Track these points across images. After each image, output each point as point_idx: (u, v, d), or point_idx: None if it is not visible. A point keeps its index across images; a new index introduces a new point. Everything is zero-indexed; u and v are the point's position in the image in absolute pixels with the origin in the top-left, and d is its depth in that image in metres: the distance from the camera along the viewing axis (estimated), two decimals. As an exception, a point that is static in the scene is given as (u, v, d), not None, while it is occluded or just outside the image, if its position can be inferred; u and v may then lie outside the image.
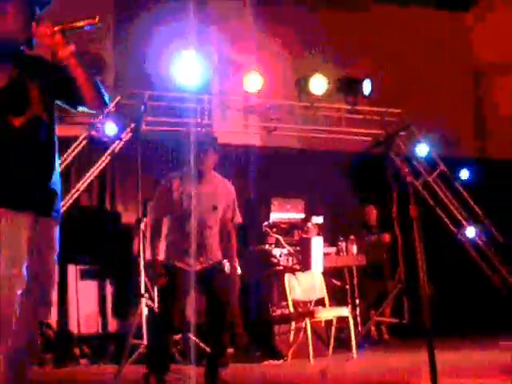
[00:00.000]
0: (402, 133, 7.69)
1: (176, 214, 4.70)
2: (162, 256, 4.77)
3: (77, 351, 6.54)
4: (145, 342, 5.83)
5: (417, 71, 8.00)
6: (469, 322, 7.21)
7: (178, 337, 5.98)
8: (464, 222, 8.09)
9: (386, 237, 7.55)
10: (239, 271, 5.54)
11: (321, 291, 6.44)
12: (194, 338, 5.75)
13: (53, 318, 6.59)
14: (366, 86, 7.50)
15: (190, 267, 4.60)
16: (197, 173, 4.69)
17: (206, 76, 6.67)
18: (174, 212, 4.71)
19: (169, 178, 4.82)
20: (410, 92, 7.91)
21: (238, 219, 4.92)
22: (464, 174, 8.19)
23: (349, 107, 7.72)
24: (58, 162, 2.83)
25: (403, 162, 6.61)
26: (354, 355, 6.08)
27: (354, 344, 6.13)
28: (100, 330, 6.74)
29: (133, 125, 6.56)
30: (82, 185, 6.50)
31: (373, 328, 7.37)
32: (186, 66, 6.34)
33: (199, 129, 6.88)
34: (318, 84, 7.43)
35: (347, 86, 7.66)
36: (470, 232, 8.07)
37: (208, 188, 4.71)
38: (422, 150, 7.87)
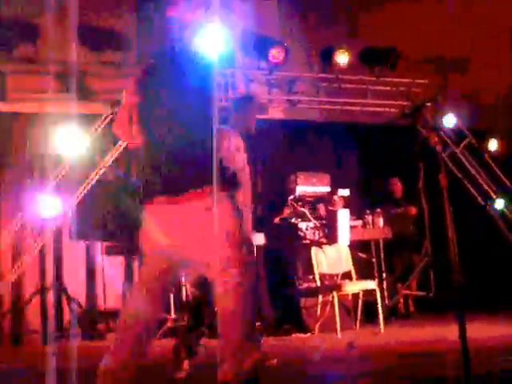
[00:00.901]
0: (428, 104, 7.56)
1: None
2: None
3: (103, 326, 6.63)
4: (172, 315, 5.89)
5: (445, 42, 7.82)
6: (497, 296, 7.13)
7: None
8: (492, 194, 7.97)
9: (412, 209, 7.49)
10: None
11: (347, 264, 6.41)
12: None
13: (80, 294, 6.68)
14: (392, 57, 7.37)
15: None
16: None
17: (229, 49, 6.60)
18: None
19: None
20: (437, 62, 7.76)
21: None
22: (492, 145, 8.04)
23: (374, 79, 7.59)
24: None
25: (431, 131, 6.51)
26: (381, 329, 6.06)
27: (381, 317, 6.10)
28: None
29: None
30: (108, 161, 6.51)
31: (400, 302, 7.34)
32: (210, 39, 6.27)
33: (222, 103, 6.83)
34: (343, 56, 7.32)
35: (372, 57, 7.53)
36: (499, 204, 7.95)
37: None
38: (450, 121, 7.74)
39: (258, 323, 6.39)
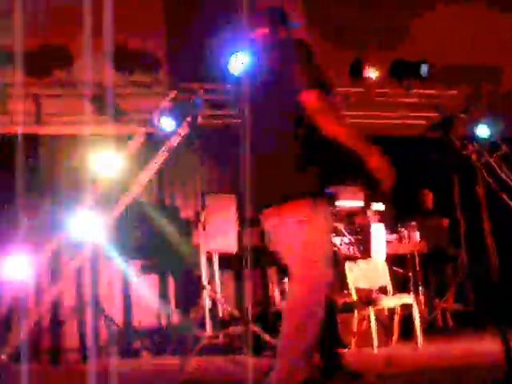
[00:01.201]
0: (461, 115, 7.50)
1: None
2: None
3: (139, 344, 6.69)
4: (208, 333, 5.91)
5: (475, 51, 7.76)
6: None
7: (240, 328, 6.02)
8: (528, 204, 7.83)
9: (445, 222, 7.41)
10: None
11: (384, 279, 6.36)
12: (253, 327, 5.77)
13: (117, 312, 6.74)
14: (423, 69, 7.33)
15: None
16: None
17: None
18: None
19: None
20: (469, 72, 7.70)
21: None
22: (528, 154, 7.92)
23: (404, 91, 7.55)
24: None
25: (467, 141, 6.45)
26: (419, 343, 5.98)
27: (418, 332, 6.03)
28: (162, 323, 6.84)
29: (189, 119, 6.61)
30: (141, 180, 6.58)
31: (438, 316, 7.25)
32: (242, 58, 6.32)
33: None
34: (372, 70, 7.31)
35: (402, 70, 7.50)
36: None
37: None
38: (483, 131, 7.66)
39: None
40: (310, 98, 3.01)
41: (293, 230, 3.00)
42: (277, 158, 3.08)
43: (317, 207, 3.02)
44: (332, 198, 4.87)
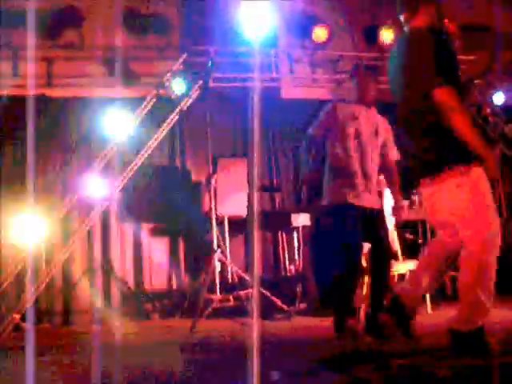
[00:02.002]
0: (476, 81, 7.37)
1: (338, 139, 4.65)
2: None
3: (149, 307, 6.74)
4: (218, 296, 5.94)
5: (492, 17, 7.60)
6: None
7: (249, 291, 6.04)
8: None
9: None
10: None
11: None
12: (262, 291, 5.79)
13: (128, 275, 6.79)
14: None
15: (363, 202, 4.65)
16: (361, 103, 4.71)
17: (272, 29, 6.54)
18: (336, 136, 4.67)
19: (334, 102, 4.85)
20: (485, 38, 7.55)
21: (396, 155, 4.89)
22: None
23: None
24: None
25: (485, 103, 6.36)
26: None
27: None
28: (173, 286, 6.88)
29: (200, 82, 6.55)
30: (152, 143, 6.56)
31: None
32: (253, 17, 6.22)
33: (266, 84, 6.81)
34: (388, 34, 7.19)
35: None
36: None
37: (370, 119, 4.72)
38: (499, 98, 7.53)
39: (303, 304, 6.43)
40: (441, 97, 3.33)
41: (454, 194, 3.37)
42: (425, 132, 3.48)
43: (470, 169, 3.35)
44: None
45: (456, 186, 3.37)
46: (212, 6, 6.74)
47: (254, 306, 5.23)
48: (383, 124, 4.88)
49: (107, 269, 6.66)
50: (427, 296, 6.01)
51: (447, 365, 3.24)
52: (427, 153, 3.48)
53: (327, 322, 4.91)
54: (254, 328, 4.02)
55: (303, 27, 7.05)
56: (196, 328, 5.48)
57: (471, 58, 7.47)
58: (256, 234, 4.49)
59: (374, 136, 4.78)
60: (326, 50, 7.19)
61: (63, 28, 6.68)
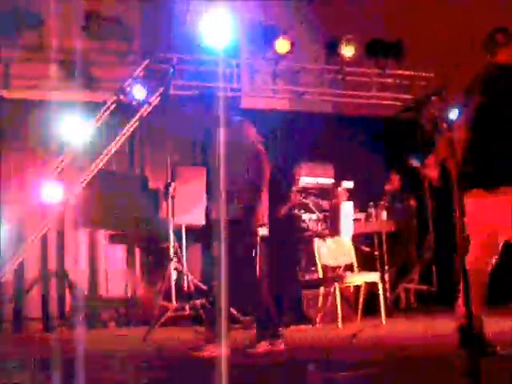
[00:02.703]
0: (433, 97, 7.53)
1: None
2: None
3: (105, 315, 6.65)
4: (174, 305, 5.89)
5: (451, 33, 7.78)
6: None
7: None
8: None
9: (412, 202, 7.46)
10: None
11: (350, 256, 6.40)
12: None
13: (83, 282, 6.68)
14: (397, 50, 7.34)
15: None
16: None
17: (234, 39, 6.57)
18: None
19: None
20: (443, 55, 7.72)
21: None
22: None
23: (379, 71, 7.56)
24: None
25: (441, 117, 6.46)
26: (383, 321, 6.05)
27: (382, 310, 6.09)
28: (128, 294, 6.81)
29: (161, 89, 6.52)
30: (111, 149, 6.49)
31: (402, 295, 7.34)
32: (215, 26, 6.24)
33: (227, 93, 6.82)
34: (348, 48, 7.30)
35: (378, 50, 7.50)
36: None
37: None
38: (455, 115, 7.68)
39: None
40: None
41: None
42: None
43: None
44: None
45: None
46: (175, 14, 6.73)
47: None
48: None
49: (62, 276, 6.55)
50: (382, 307, 6.08)
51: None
52: None
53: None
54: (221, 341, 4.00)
55: (266, 38, 7.10)
56: (149, 337, 5.42)
57: (429, 75, 7.65)
58: (219, 245, 4.46)
59: None
60: (287, 61, 7.25)
61: (22, 29, 6.57)
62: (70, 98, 6.47)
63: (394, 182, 7.60)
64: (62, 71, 6.64)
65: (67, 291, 6.56)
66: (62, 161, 6.35)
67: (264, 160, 4.60)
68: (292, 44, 7.02)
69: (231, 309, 5.84)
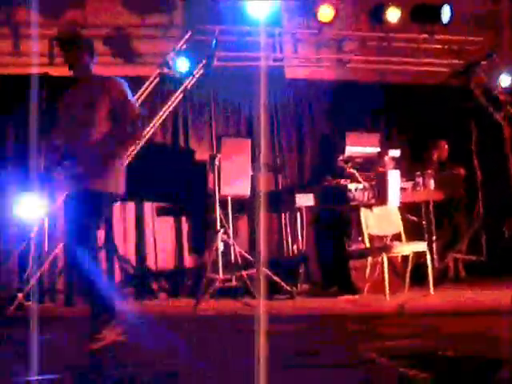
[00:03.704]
0: (483, 62, 7.31)
1: None
2: None
3: (155, 286, 6.75)
4: (221, 276, 5.95)
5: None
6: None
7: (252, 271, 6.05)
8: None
9: (461, 170, 7.31)
10: None
11: (397, 226, 6.33)
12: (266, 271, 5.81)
13: (131, 254, 6.79)
14: (445, 13, 7.11)
15: None
16: None
17: (277, 8, 6.48)
18: None
19: None
20: (492, 19, 7.48)
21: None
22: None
23: (426, 36, 7.35)
24: None
25: (494, 83, 6.28)
26: (431, 291, 5.98)
27: (431, 280, 6.02)
28: (177, 266, 6.89)
29: (204, 61, 6.50)
30: (156, 122, 6.52)
31: (450, 264, 7.23)
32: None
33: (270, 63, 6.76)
34: (393, 13, 7.11)
35: (423, 14, 7.28)
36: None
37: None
38: (505, 80, 7.46)
39: (306, 285, 6.45)
40: None
41: None
42: None
43: None
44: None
45: None
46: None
47: (259, 286, 5.24)
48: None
49: (110, 249, 6.66)
50: (430, 278, 6.01)
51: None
52: None
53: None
54: (258, 308, 4.01)
55: (308, 7, 6.98)
56: (199, 307, 5.50)
57: (479, 39, 7.40)
58: (261, 215, 4.46)
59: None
60: (330, 29, 7.12)
61: (66, 7, 6.62)
62: (114, 73, 6.50)
63: (443, 150, 7.44)
64: (105, 47, 6.68)
65: (116, 264, 6.68)
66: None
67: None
68: (335, 11, 6.88)
69: (277, 278, 5.88)
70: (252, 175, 6.40)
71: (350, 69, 7.31)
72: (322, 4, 6.91)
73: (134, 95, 6.39)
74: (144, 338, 3.90)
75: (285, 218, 6.95)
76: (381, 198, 6.18)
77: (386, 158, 6.52)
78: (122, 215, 6.78)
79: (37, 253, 6.05)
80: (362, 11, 7.35)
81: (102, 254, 6.62)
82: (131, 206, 6.79)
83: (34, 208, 5.81)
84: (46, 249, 6.20)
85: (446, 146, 7.44)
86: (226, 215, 6.33)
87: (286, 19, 7.08)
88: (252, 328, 3.07)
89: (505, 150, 3.06)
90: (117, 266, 6.70)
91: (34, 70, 6.24)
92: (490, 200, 7.44)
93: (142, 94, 6.56)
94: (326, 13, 6.91)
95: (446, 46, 7.38)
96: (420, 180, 6.75)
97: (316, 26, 7.04)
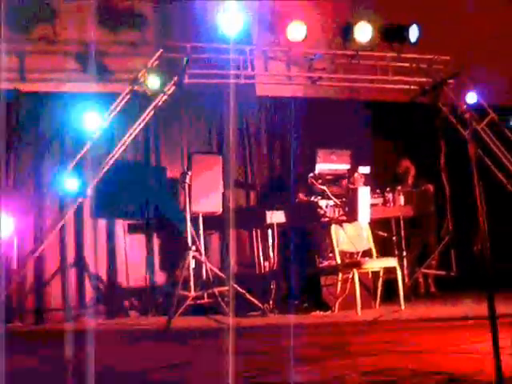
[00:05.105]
0: (450, 81, 7.44)
1: None
2: None
3: (126, 303, 6.70)
4: (192, 293, 5.92)
5: (466, 16, 7.68)
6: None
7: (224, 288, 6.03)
8: (514, 172, 7.84)
9: (430, 187, 7.41)
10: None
11: (368, 242, 6.38)
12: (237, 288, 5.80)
13: (102, 272, 6.72)
14: (413, 33, 7.24)
15: None
16: None
17: (248, 26, 6.54)
18: None
19: None
20: (459, 38, 7.62)
21: None
22: (515, 121, 7.89)
23: (394, 55, 7.47)
24: None
25: (461, 101, 6.39)
26: (402, 306, 6.03)
27: (401, 295, 6.07)
28: (148, 283, 6.84)
29: (176, 78, 6.51)
30: (127, 139, 6.50)
31: (420, 280, 7.30)
32: (228, 14, 6.21)
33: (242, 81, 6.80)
34: (363, 32, 7.21)
35: (392, 34, 7.40)
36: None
37: None
38: (471, 98, 7.61)
39: (278, 301, 6.45)
40: None
41: None
42: None
43: None
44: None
45: None
46: (188, 3, 6.70)
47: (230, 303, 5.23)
48: None
49: (81, 266, 6.59)
50: (401, 293, 6.06)
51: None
52: None
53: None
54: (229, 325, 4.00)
55: (279, 25, 7.04)
56: (170, 325, 5.46)
57: (446, 58, 7.55)
58: (231, 232, 4.46)
59: None
60: (301, 47, 7.19)
61: (36, 22, 6.59)
62: (84, 89, 6.49)
63: (412, 167, 7.54)
64: (76, 63, 6.65)
65: (87, 282, 6.61)
66: (79, 152, 6.36)
67: None
68: (306, 29, 6.96)
69: (248, 295, 5.87)
70: (223, 192, 6.41)
71: (321, 86, 7.39)
72: (292, 22, 6.98)
73: (105, 112, 6.41)
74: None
75: (256, 235, 6.96)
76: (351, 214, 6.23)
77: (356, 175, 6.59)
78: (93, 232, 6.73)
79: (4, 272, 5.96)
80: (332, 30, 7.44)
81: (73, 272, 6.56)
82: (102, 222, 6.74)
83: (1, 227, 5.73)
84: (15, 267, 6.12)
85: (409, 163, 7.55)
86: (197, 232, 6.31)
87: (257, 37, 7.14)
88: (221, 345, 3.07)
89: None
90: (87, 284, 6.63)
91: (4, 86, 6.20)
92: (458, 216, 7.54)
93: (113, 110, 6.53)
94: (296, 31, 6.98)
95: (414, 65, 7.51)
96: (390, 196, 6.83)
97: (287, 43, 7.12)
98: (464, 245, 7.43)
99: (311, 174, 6.59)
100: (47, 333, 5.87)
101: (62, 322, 6.23)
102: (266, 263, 6.81)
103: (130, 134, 6.55)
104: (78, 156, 6.26)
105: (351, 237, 6.33)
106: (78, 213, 6.57)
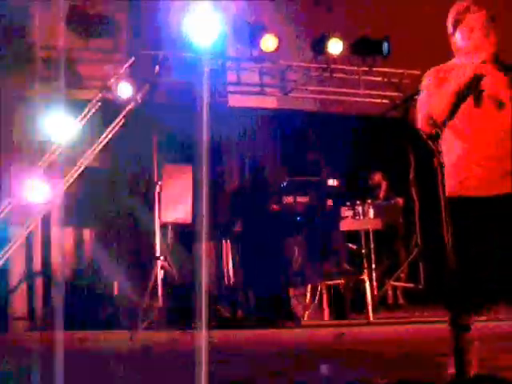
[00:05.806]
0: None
1: None
2: None
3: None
4: (160, 304, 5.87)
5: (438, 30, 7.78)
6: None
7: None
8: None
9: (400, 200, 7.47)
10: None
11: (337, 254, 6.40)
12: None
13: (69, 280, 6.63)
14: (384, 47, 7.32)
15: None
16: None
17: (220, 36, 6.54)
18: None
19: None
20: (431, 52, 7.72)
21: None
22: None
23: (366, 69, 7.54)
24: None
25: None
26: (371, 318, 6.05)
27: (370, 307, 6.10)
28: (116, 293, 6.76)
29: (147, 86, 6.48)
30: (97, 147, 6.45)
31: (389, 292, 7.35)
32: (201, 24, 6.21)
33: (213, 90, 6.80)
34: (335, 45, 7.27)
35: (365, 47, 7.48)
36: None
37: None
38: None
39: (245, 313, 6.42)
40: None
41: None
42: None
43: None
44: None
45: None
46: (160, 12, 6.69)
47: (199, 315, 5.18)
48: None
49: (47, 274, 6.50)
50: (369, 305, 6.09)
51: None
52: None
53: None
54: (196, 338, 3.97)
55: (252, 36, 7.07)
56: (135, 337, 5.40)
57: (417, 72, 7.62)
58: (203, 245, 4.44)
59: None
60: (274, 59, 7.23)
61: (8, 28, 6.53)
62: (55, 95, 6.42)
63: (382, 180, 7.61)
64: (47, 69, 6.59)
65: (53, 290, 6.51)
66: (48, 159, 6.29)
67: None
68: (278, 41, 6.99)
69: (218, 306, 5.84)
70: (193, 202, 6.38)
71: (292, 98, 7.42)
72: (265, 34, 7.01)
73: (75, 119, 6.35)
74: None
75: (226, 246, 6.93)
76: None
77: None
78: (61, 240, 6.64)
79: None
80: (305, 42, 7.49)
81: (40, 280, 6.47)
82: (69, 230, 6.66)
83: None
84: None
85: (380, 176, 7.61)
86: (166, 242, 6.27)
87: (230, 48, 7.15)
88: (189, 358, 3.03)
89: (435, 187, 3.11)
90: (53, 292, 6.53)
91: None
92: (426, 228, 7.62)
93: (84, 117, 6.48)
94: (269, 42, 7.01)
95: (385, 79, 7.59)
96: (360, 209, 6.85)
97: (259, 55, 7.14)
98: (432, 258, 7.51)
99: (282, 185, 6.60)
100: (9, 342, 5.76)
101: (26, 331, 6.12)
102: (234, 274, 6.79)
103: (100, 142, 6.50)
104: (47, 163, 6.19)
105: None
106: (45, 220, 6.48)
